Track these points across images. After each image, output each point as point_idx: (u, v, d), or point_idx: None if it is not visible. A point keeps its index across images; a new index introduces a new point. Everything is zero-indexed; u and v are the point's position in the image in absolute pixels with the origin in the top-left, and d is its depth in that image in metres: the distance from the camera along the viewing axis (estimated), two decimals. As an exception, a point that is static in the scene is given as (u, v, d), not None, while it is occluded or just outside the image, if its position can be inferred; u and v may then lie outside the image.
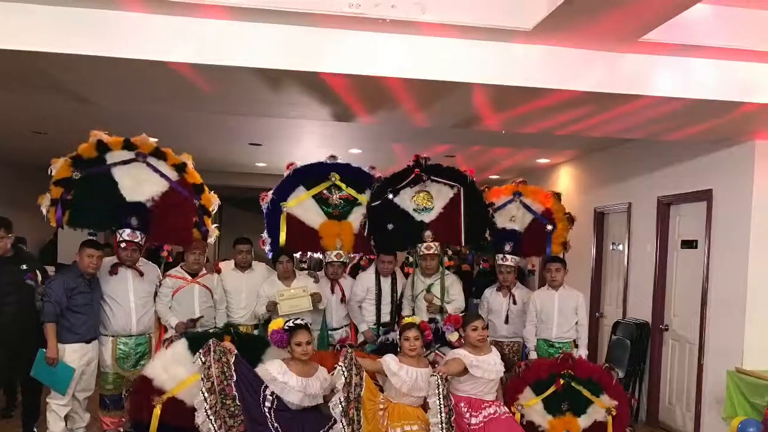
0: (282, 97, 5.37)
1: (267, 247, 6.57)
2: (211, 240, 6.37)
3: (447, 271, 6.55)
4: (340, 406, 4.88)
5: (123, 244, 5.86)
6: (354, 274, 7.10)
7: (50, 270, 7.16)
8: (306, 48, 4.52)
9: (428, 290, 6.42)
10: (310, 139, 9.38)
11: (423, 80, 4.71)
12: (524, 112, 5.61)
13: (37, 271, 6.29)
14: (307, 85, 5.01)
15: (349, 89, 5.07)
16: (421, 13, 4.30)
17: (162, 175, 6.03)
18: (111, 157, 5.91)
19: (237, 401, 4.78)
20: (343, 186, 6.61)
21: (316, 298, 6.21)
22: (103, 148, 5.87)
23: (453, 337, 5.51)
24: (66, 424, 5.78)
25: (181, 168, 6.11)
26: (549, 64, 4.73)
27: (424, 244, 6.40)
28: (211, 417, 4.72)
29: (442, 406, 4.96)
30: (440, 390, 5.00)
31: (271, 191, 6.58)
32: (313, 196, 6.59)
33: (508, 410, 5.44)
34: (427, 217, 6.51)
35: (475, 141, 8.74)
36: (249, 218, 12.02)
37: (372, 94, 5.24)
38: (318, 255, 7.18)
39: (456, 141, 8.82)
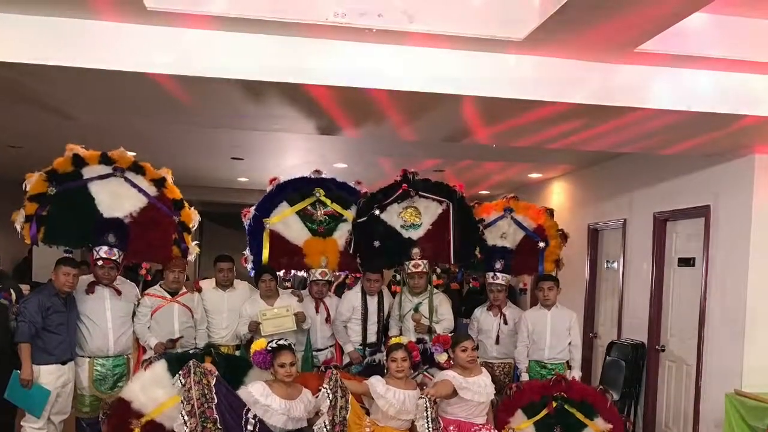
0: (265, 109, 5.30)
1: (249, 265, 6.52)
2: (191, 258, 6.32)
3: (435, 290, 6.49)
4: (324, 429, 4.78)
5: (100, 262, 5.79)
6: (339, 293, 7.01)
7: (25, 289, 7.16)
8: (289, 59, 4.45)
9: (416, 309, 6.36)
10: (294, 153, 9.33)
11: (411, 92, 4.63)
12: (516, 125, 5.54)
13: (11, 290, 6.24)
14: (291, 98, 4.94)
15: (334, 102, 5.01)
16: (408, 22, 4.21)
17: (140, 190, 5.99)
18: (87, 172, 5.86)
19: (218, 425, 4.66)
20: (328, 202, 6.56)
21: (300, 317, 6.17)
22: (79, 162, 5.82)
23: (442, 358, 5.42)
24: (41, 448, 5.67)
25: (160, 183, 6.07)
26: (542, 76, 4.66)
27: (412, 262, 6.33)
28: (191, 441, 4.61)
29: (430, 429, 4.88)
30: (428, 413, 4.91)
31: (254, 207, 6.51)
32: (297, 212, 6.53)
33: (498, 434, 5.35)
34: (415, 234, 6.46)
35: (465, 155, 8.69)
36: (230, 235, 11.99)
37: (358, 107, 5.17)
38: (302, 273, 7.11)
39: (445, 155, 8.78)
